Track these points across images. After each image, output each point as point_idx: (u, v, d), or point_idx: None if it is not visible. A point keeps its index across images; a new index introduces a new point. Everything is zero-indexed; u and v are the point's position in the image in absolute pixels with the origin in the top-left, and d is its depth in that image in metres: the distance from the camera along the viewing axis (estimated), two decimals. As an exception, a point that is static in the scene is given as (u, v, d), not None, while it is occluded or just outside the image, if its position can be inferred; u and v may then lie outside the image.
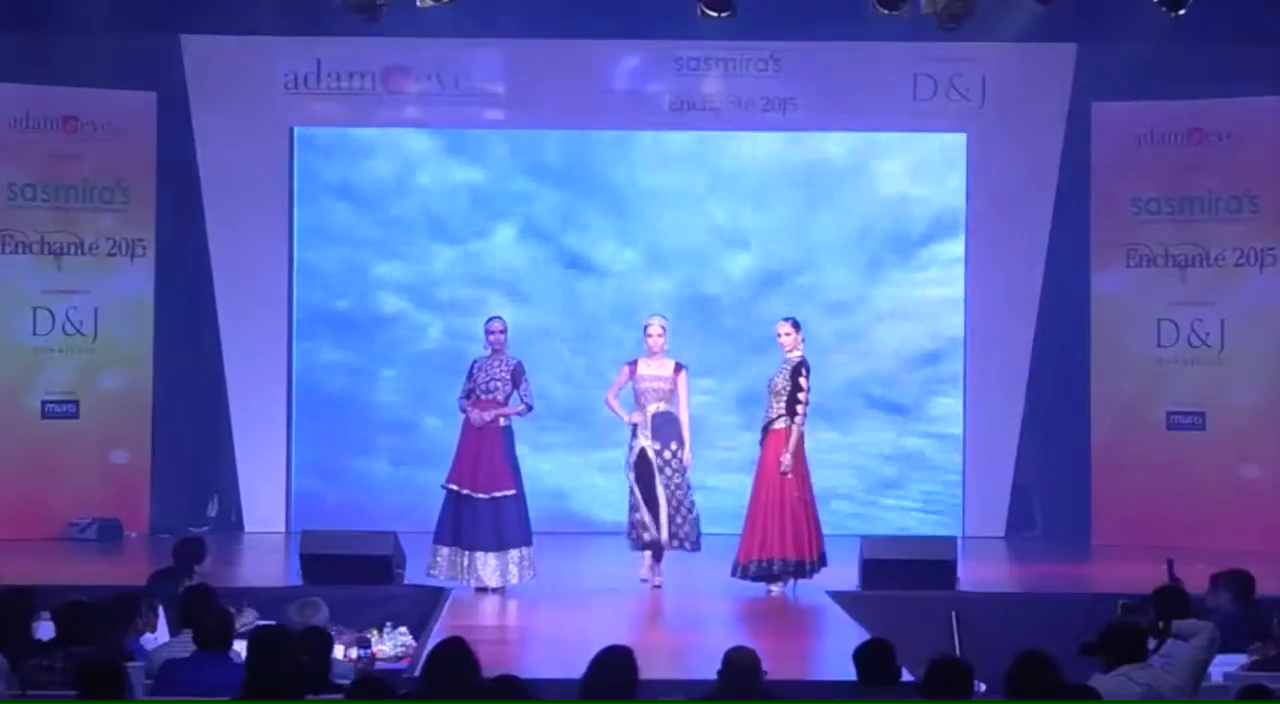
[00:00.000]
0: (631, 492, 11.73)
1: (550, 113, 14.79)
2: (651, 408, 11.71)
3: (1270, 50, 13.83)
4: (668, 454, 11.68)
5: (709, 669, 9.07)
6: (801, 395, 11.52)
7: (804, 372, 11.61)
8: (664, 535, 11.62)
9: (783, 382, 11.67)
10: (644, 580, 11.73)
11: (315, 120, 14.96)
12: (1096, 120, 14.60)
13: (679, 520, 11.66)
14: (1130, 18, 13.24)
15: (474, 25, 13.73)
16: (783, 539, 11.56)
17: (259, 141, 14.69)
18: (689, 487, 11.73)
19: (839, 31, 14.18)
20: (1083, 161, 14.64)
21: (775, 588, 11.61)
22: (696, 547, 11.73)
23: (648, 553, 11.76)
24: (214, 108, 14.56)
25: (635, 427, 11.74)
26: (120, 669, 6.64)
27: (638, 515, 11.70)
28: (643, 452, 11.68)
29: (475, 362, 11.85)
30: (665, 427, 11.71)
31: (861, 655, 6.98)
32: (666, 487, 11.65)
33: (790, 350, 11.71)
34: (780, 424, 11.58)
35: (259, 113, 14.63)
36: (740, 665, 6.72)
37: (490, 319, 11.89)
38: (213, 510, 14.86)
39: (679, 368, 11.78)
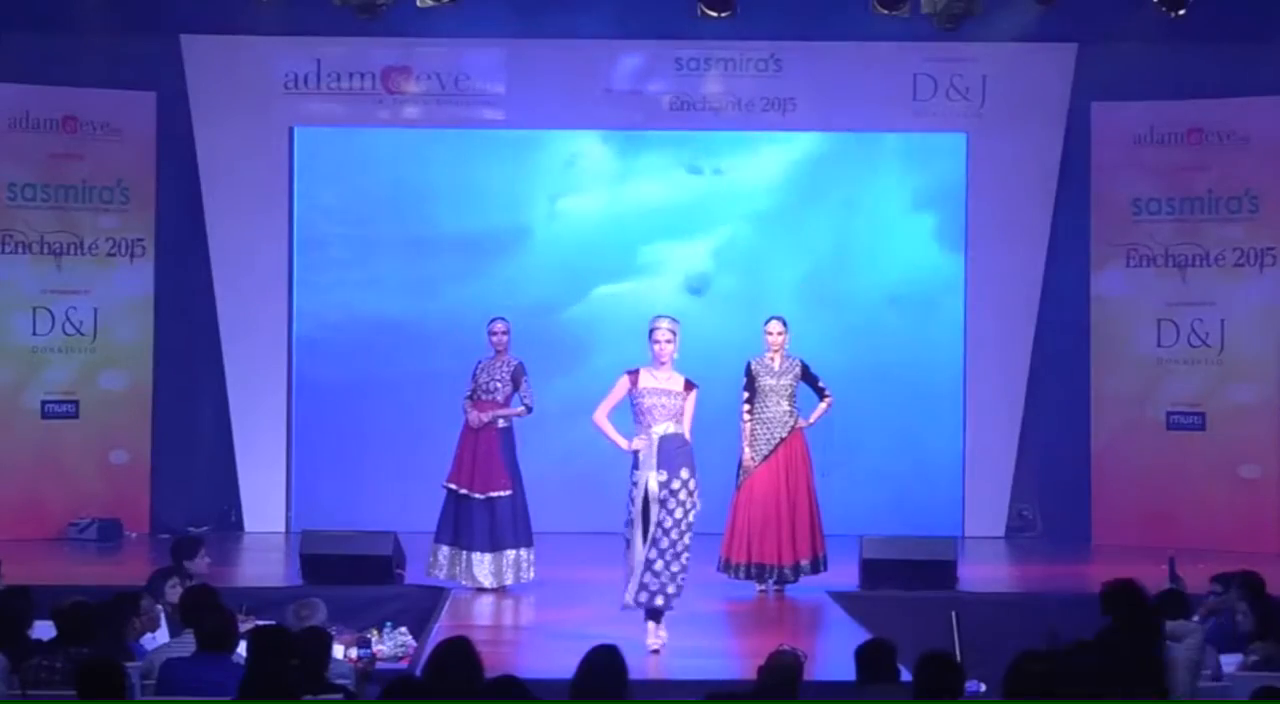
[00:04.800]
0: (627, 544, 9.68)
1: (550, 113, 14.79)
2: (659, 429, 9.61)
3: (1270, 50, 13.84)
4: (676, 484, 9.53)
5: (708, 669, 9.13)
6: (821, 382, 11.86)
7: (810, 367, 11.88)
8: (630, 593, 9.54)
9: (791, 383, 11.77)
10: (650, 649, 9.59)
11: (315, 120, 14.96)
12: (1096, 120, 14.61)
13: (659, 568, 9.51)
14: (1130, 18, 13.26)
15: (474, 25, 13.74)
16: (779, 544, 11.67)
17: (259, 141, 14.69)
18: (689, 528, 9.60)
19: (839, 31, 14.21)
20: (1083, 161, 14.65)
21: (763, 587, 11.73)
22: (668, 604, 9.62)
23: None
24: (214, 108, 14.57)
25: (638, 455, 9.63)
26: (120, 669, 6.63)
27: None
28: (645, 490, 9.54)
29: (479, 362, 11.88)
30: (674, 452, 9.60)
31: (862, 654, 7.04)
32: (660, 524, 9.50)
33: (780, 349, 11.79)
34: (800, 423, 11.82)
35: (259, 113, 14.63)
36: (778, 668, 6.80)
37: (493, 320, 11.90)
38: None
39: (690, 386, 9.72)
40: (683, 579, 9.61)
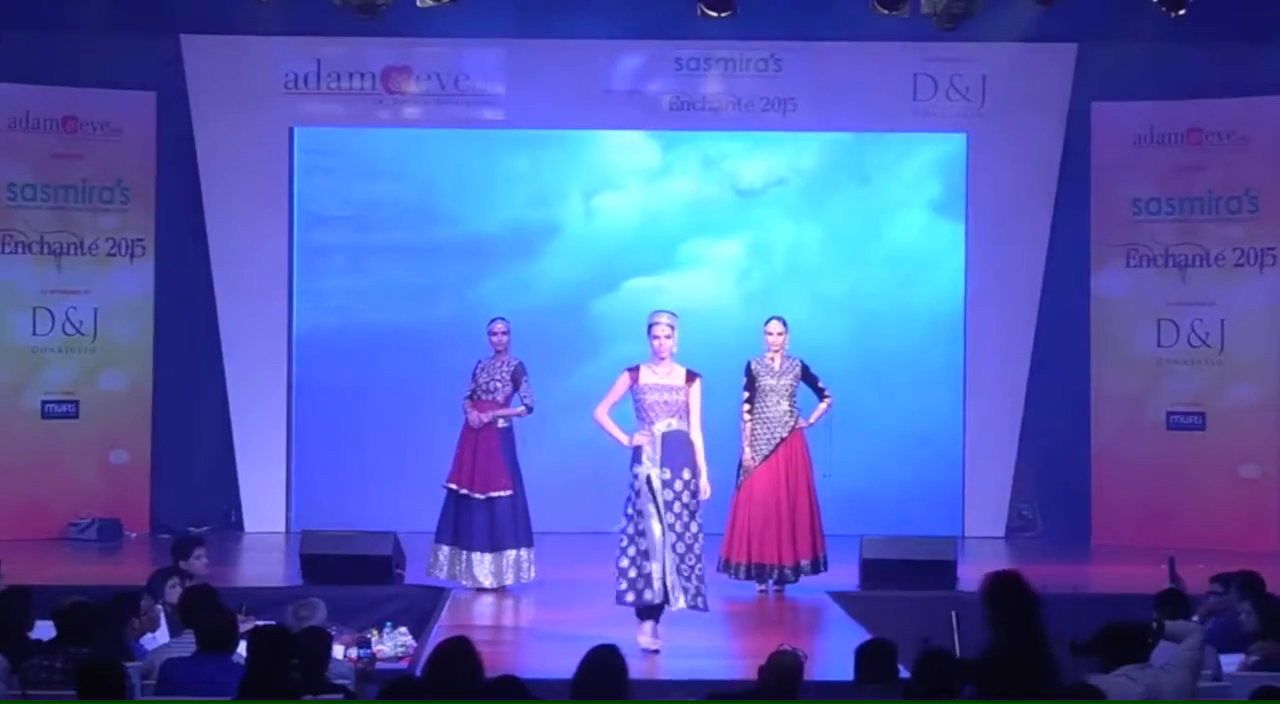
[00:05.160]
0: (628, 539, 9.61)
1: (550, 113, 14.78)
2: (660, 425, 9.55)
3: (1270, 50, 13.83)
4: (679, 484, 9.50)
5: (708, 669, 9.13)
6: (821, 382, 11.85)
7: (810, 367, 11.90)
8: (671, 595, 9.48)
9: (791, 383, 11.78)
10: (647, 650, 9.54)
11: (315, 120, 14.96)
12: (1096, 120, 14.61)
13: (685, 572, 9.50)
14: (1130, 18, 13.26)
15: (474, 25, 13.73)
16: (780, 544, 11.69)
17: (259, 141, 14.68)
18: (700, 528, 9.60)
19: (839, 31, 14.21)
20: (1083, 161, 14.65)
21: (763, 587, 11.74)
22: (705, 605, 9.65)
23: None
24: (214, 108, 14.56)
25: (638, 451, 9.55)
26: (119, 669, 6.63)
27: (636, 568, 9.58)
28: (648, 483, 9.47)
29: (479, 362, 11.89)
30: (677, 450, 9.53)
31: (862, 653, 7.06)
32: (672, 528, 9.47)
33: (780, 349, 11.80)
34: (800, 424, 11.84)
35: (259, 113, 14.63)
36: (778, 668, 6.81)
37: (493, 320, 11.91)
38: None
39: (692, 377, 9.64)
40: (705, 577, 9.65)
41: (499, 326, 11.82)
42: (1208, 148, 14.42)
